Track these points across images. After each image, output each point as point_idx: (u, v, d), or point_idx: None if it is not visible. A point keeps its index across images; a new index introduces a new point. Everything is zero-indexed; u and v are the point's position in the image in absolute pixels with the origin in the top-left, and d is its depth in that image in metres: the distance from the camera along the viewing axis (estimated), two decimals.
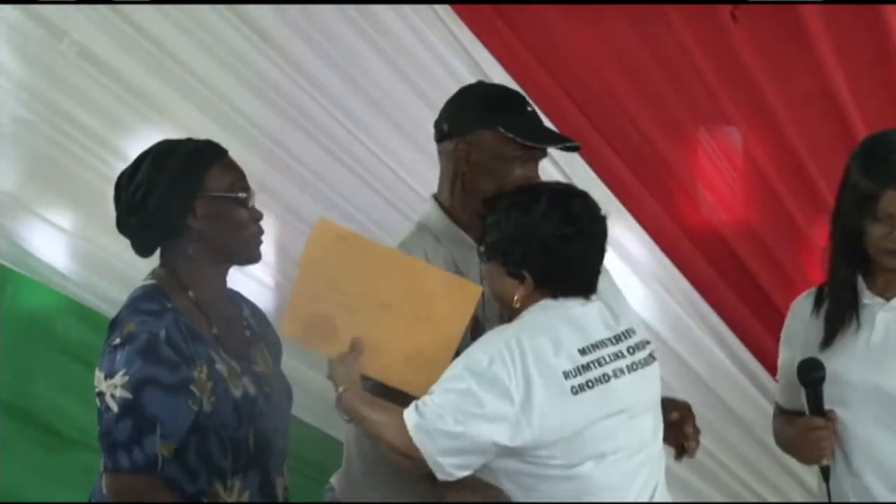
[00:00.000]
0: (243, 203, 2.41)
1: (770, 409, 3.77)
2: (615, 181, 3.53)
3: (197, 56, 3.22)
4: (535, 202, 2.32)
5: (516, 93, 2.66)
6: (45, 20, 3.10)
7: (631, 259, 3.64)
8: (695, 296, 3.75)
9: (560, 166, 3.44)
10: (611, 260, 3.56)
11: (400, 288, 2.35)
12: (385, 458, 2.31)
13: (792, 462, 3.85)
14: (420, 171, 3.41)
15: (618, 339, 2.34)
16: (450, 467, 2.21)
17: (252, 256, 2.47)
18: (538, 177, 2.56)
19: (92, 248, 3.21)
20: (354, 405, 2.32)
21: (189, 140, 2.46)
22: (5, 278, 3.30)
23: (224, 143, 3.21)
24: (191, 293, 2.38)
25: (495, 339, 2.26)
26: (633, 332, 2.38)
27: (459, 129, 2.53)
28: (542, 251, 2.30)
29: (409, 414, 2.22)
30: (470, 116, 2.54)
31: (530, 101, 2.59)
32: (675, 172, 3.69)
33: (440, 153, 2.58)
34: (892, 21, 3.60)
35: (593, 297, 2.36)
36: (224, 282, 2.51)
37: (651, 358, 2.40)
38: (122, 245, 3.17)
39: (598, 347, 2.29)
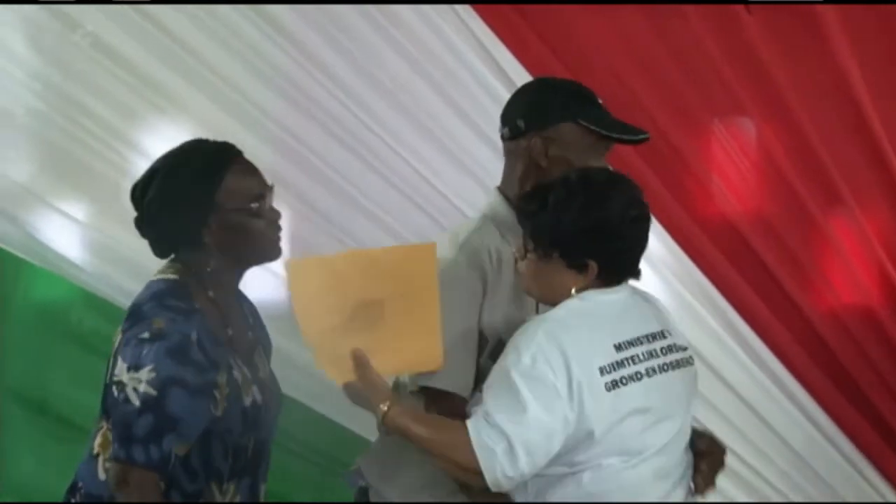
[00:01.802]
0: (258, 213, 2.38)
1: (786, 402, 3.80)
2: (629, 172, 3.51)
3: (211, 48, 3.21)
4: (599, 189, 2.28)
5: (586, 86, 2.63)
6: (59, 11, 3.10)
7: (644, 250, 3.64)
8: (708, 287, 3.73)
9: None
10: None
11: (378, 281, 2.29)
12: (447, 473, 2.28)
13: (814, 460, 3.86)
14: (435, 163, 3.42)
15: (653, 337, 2.31)
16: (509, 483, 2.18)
17: (269, 258, 2.45)
18: (609, 168, 2.56)
19: (106, 239, 3.21)
20: (405, 423, 2.24)
21: (200, 147, 2.43)
22: (19, 269, 3.31)
23: (238, 136, 3.21)
24: (210, 293, 2.37)
25: (533, 335, 2.21)
26: (669, 334, 2.35)
27: (538, 124, 2.52)
28: (612, 238, 2.26)
29: (474, 434, 2.16)
30: (549, 111, 2.53)
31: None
32: (689, 164, 3.67)
33: (510, 150, 2.56)
34: None
35: (634, 290, 2.36)
36: (237, 285, 2.50)
37: (686, 363, 2.36)
38: (136, 236, 3.19)
39: (633, 344, 2.26)
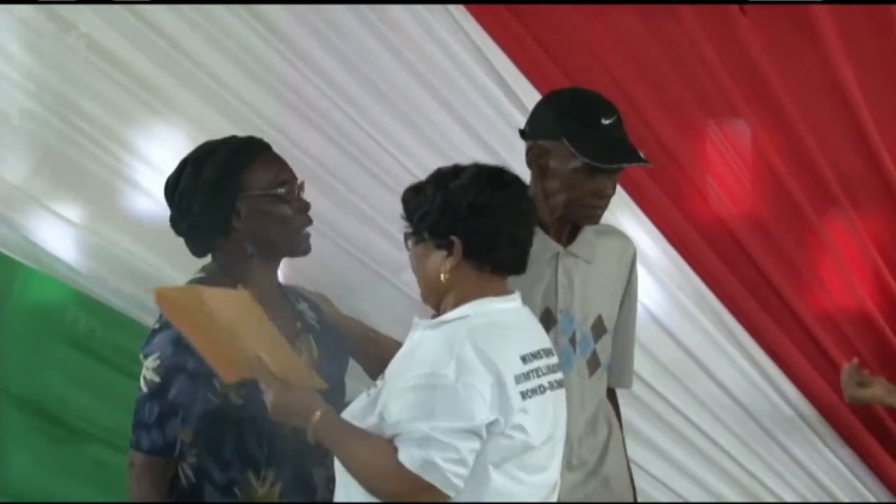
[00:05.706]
0: (284, 198, 2.45)
1: (782, 405, 3.79)
2: (624, 174, 3.51)
3: (206, 49, 3.22)
4: (462, 171, 2.28)
5: (598, 104, 2.70)
6: (53, 13, 3.11)
7: (639, 252, 3.63)
8: (703, 289, 3.73)
9: None
10: None
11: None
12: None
13: (809, 461, 3.86)
14: (427, 163, 3.40)
15: (548, 352, 2.29)
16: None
17: (299, 249, 2.52)
18: (611, 190, 2.69)
19: (101, 241, 3.21)
20: (334, 433, 2.18)
21: (230, 139, 2.53)
22: (14, 271, 3.31)
23: None
24: (238, 287, 2.36)
25: (449, 346, 2.14)
26: (554, 353, 2.33)
27: (535, 133, 2.68)
28: (470, 214, 2.21)
29: (408, 460, 2.08)
30: (544, 123, 2.68)
31: (612, 111, 2.66)
32: (683, 165, 3.67)
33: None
34: None
35: (522, 301, 2.32)
36: (274, 277, 2.56)
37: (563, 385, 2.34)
38: (131, 238, 3.20)
39: (535, 357, 2.23)
